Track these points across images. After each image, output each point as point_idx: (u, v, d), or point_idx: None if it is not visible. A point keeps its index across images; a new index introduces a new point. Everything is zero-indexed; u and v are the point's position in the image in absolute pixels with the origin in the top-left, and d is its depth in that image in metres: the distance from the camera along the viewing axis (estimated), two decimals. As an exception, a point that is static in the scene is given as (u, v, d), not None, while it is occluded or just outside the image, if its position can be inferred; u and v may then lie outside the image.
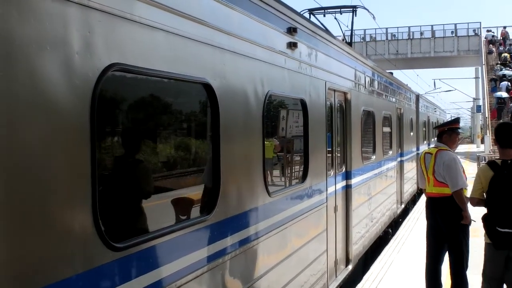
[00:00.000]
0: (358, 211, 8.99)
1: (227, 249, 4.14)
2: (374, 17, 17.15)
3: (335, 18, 13.15)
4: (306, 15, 12.20)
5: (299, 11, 7.45)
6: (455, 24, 52.49)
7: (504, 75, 35.56)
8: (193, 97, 4.12)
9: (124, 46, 2.97)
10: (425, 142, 23.59)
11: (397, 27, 53.13)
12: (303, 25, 6.08)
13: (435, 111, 32.75)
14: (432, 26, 52.73)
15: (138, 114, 3.53)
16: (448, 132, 6.83)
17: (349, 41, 13.46)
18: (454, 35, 50.91)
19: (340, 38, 12.13)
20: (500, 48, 44.12)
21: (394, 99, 14.06)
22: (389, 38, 51.66)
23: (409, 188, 17.07)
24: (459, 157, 6.96)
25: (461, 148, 46.11)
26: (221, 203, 4.00)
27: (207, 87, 3.88)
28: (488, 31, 47.81)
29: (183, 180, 4.01)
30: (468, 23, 52.36)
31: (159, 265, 3.24)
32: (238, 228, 4.36)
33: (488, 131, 33.17)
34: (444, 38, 51.23)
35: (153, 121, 3.74)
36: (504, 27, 47.03)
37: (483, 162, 19.74)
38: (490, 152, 26.84)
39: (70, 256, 2.54)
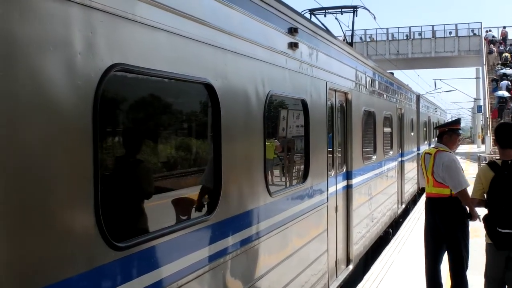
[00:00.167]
0: (358, 211, 9.00)
1: (228, 249, 4.15)
2: (375, 17, 17.16)
3: (336, 18, 13.16)
4: (307, 15, 12.21)
5: (300, 11, 7.46)
6: (456, 24, 52.48)
7: (504, 74, 35.57)
8: (194, 97, 4.13)
9: (126, 47, 2.98)
10: (425, 142, 23.58)
11: (398, 27, 53.05)
12: (304, 26, 6.09)
13: (436, 111, 32.75)
14: (433, 26, 52.74)
15: (141, 115, 3.54)
16: (449, 132, 6.83)
17: (350, 41, 13.47)
18: (455, 35, 50.91)
19: (341, 38, 12.15)
20: (501, 48, 44.12)
21: (394, 99, 14.06)
22: (390, 38, 51.66)
23: (410, 188, 17.07)
24: (459, 157, 6.97)
25: (462, 148, 46.11)
26: (222, 203, 4.01)
27: (209, 87, 3.89)
28: (487, 31, 47.81)
29: (185, 180, 4.02)
30: (468, 23, 52.38)
31: (161, 264, 3.25)
32: (239, 228, 4.37)
33: (488, 131, 33.16)
34: (444, 38, 51.23)
35: (155, 122, 3.74)
36: (504, 27, 47.04)
37: (484, 162, 19.73)
38: (490, 153, 26.82)
39: (74, 256, 2.55)
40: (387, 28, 52.63)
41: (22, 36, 2.30)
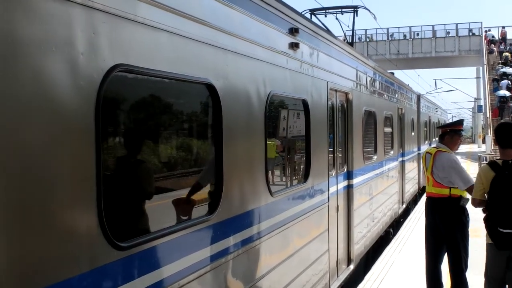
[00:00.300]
0: (359, 211, 9.01)
1: (230, 248, 4.16)
2: (375, 17, 17.15)
3: (336, 18, 13.16)
4: (307, 15, 12.22)
5: (300, 11, 7.47)
6: (456, 24, 52.54)
7: (504, 73, 35.61)
8: (196, 98, 4.14)
9: (128, 47, 2.99)
10: (426, 142, 23.58)
11: (398, 27, 53.06)
12: (305, 26, 6.10)
13: (436, 111, 32.74)
14: (433, 26, 52.76)
15: (143, 115, 3.55)
16: (450, 133, 6.84)
17: (351, 41, 13.48)
18: (455, 35, 50.92)
19: (341, 38, 12.15)
20: (501, 48, 44.16)
21: (395, 99, 14.07)
22: (390, 38, 51.67)
23: (410, 188, 17.08)
24: (459, 157, 6.98)
25: (462, 148, 46.05)
26: (224, 203, 4.03)
27: (210, 87, 3.90)
28: (486, 31, 47.87)
29: (186, 180, 4.03)
30: (469, 23, 52.37)
31: (163, 264, 3.26)
32: (240, 227, 4.38)
33: (489, 131, 33.17)
34: (445, 38, 51.26)
35: (157, 122, 3.75)
36: (503, 27, 47.11)
37: (484, 162, 19.74)
38: (491, 152, 26.83)
39: (77, 256, 2.57)
40: (388, 28, 52.69)
41: (25, 36, 2.31)
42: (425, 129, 23.69)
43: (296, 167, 6.71)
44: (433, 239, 6.70)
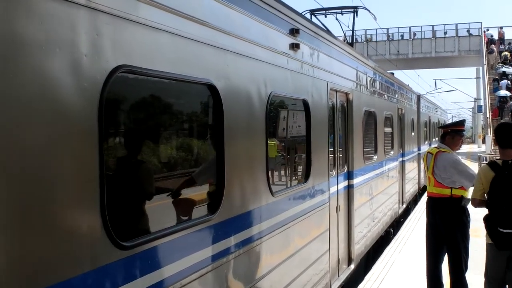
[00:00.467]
0: (360, 211, 9.03)
1: (231, 248, 4.18)
2: (375, 18, 17.18)
3: (336, 18, 13.18)
4: (308, 15, 12.24)
5: (300, 12, 7.49)
6: (456, 24, 52.54)
7: (504, 73, 35.64)
8: (198, 98, 4.16)
9: (130, 48, 3.01)
10: (426, 142, 23.60)
11: (398, 27, 53.09)
12: (305, 26, 6.12)
13: (436, 112, 32.76)
14: (433, 26, 52.76)
15: (145, 116, 3.56)
16: (452, 133, 6.85)
17: (350, 41, 13.50)
18: (455, 35, 50.93)
19: (341, 39, 12.17)
20: (501, 47, 44.20)
21: (395, 100, 14.09)
22: (390, 38, 51.69)
23: (411, 188, 17.10)
24: (459, 157, 6.99)
25: (462, 148, 45.99)
26: (225, 203, 4.04)
27: (212, 88, 3.92)
28: (484, 31, 47.91)
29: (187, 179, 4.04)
30: (469, 23, 52.38)
31: (165, 263, 3.27)
32: (242, 227, 4.40)
33: (489, 130, 33.19)
34: (445, 38, 51.26)
35: (160, 122, 3.77)
36: (501, 27, 47.19)
37: (484, 162, 19.74)
38: (491, 152, 26.85)
39: (81, 255, 2.59)
40: (387, 28, 52.70)
41: (29, 38, 2.33)
42: (425, 129, 23.70)
43: (297, 167, 6.73)
44: (433, 239, 6.72)
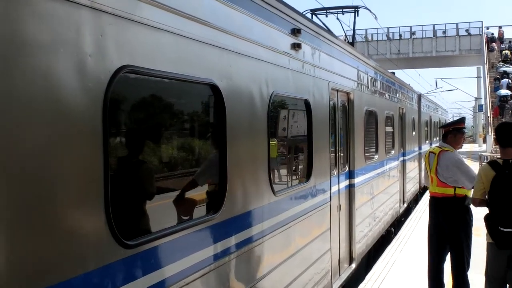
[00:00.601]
0: (361, 210, 9.05)
1: (233, 247, 4.20)
2: (376, 17, 17.19)
3: (337, 18, 13.20)
4: (308, 15, 12.24)
5: (301, 11, 7.51)
6: (457, 24, 52.52)
7: (505, 72, 35.65)
8: (200, 98, 4.18)
9: (134, 49, 3.02)
10: (427, 141, 23.61)
11: (399, 27, 53.02)
12: (306, 26, 6.14)
13: (437, 111, 32.77)
14: (433, 25, 52.77)
15: (149, 115, 3.58)
16: (453, 132, 6.86)
17: (351, 41, 13.51)
18: (455, 34, 50.93)
19: (342, 38, 12.18)
20: (502, 46, 44.22)
21: (396, 99, 14.10)
22: (391, 37, 51.68)
23: (412, 187, 17.11)
24: (461, 156, 7.00)
25: (463, 147, 46.02)
26: (228, 202, 4.06)
27: (214, 88, 3.95)
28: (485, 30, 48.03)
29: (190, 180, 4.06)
30: (469, 22, 52.35)
31: (168, 262, 3.29)
32: (244, 227, 4.42)
33: (490, 129, 33.19)
34: (445, 37, 51.26)
35: (163, 122, 3.79)
36: (500, 27, 47.24)
37: (485, 161, 19.74)
38: (492, 152, 26.86)
39: (86, 254, 2.61)
40: (388, 28, 52.68)
41: (33, 38, 2.35)
42: (426, 128, 23.71)
43: (299, 167, 6.75)
44: (436, 239, 6.73)
